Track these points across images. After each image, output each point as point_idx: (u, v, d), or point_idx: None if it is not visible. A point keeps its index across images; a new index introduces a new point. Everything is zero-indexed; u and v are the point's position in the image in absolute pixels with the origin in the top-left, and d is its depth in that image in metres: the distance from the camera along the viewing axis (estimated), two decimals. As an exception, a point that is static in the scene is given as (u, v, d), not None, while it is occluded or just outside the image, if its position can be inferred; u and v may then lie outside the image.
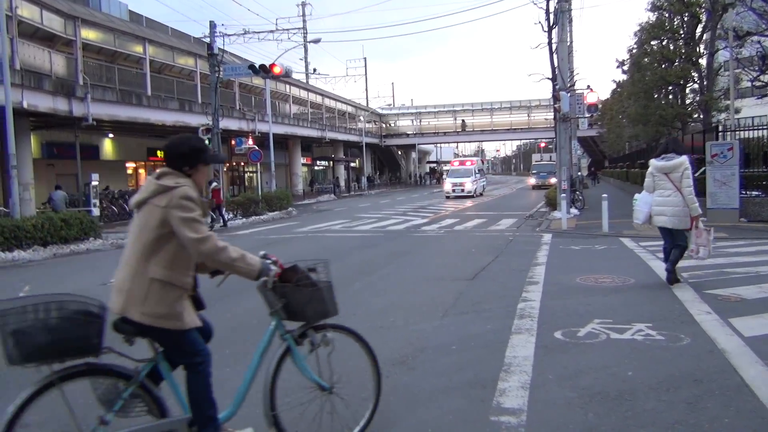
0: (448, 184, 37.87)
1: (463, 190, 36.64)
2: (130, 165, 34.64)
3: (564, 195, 18.05)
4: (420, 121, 67.84)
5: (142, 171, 35.62)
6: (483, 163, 46.41)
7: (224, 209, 22.02)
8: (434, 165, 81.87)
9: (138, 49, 28.43)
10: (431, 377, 4.83)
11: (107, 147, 31.99)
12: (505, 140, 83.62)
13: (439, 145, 76.11)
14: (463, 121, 65.21)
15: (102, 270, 11.77)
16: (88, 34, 25.29)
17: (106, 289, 9.19)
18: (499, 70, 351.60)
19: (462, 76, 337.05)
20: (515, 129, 64.34)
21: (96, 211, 22.40)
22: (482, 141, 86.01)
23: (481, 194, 39.22)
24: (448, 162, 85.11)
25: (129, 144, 33.10)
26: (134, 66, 28.90)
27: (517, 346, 5.55)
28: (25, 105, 19.32)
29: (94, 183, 23.31)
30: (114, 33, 27.01)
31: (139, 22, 32.31)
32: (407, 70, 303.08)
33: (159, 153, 35.70)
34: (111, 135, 31.08)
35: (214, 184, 23.04)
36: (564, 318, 6.51)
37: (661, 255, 8.30)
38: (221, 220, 21.47)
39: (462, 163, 42.93)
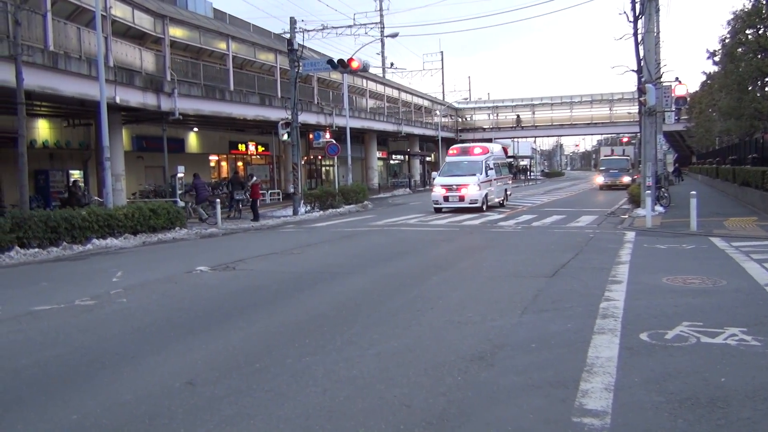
0: (437, 189, 23.18)
1: (462, 199, 22.33)
2: (213, 158, 35.87)
3: (649, 191, 17.37)
4: (497, 115, 66.88)
5: (224, 164, 36.83)
6: (506, 153, 29.28)
7: (258, 204, 22.39)
8: (510, 160, 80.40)
9: (222, 45, 29.34)
10: (510, 375, 4.75)
11: (192, 140, 33.24)
12: (585, 135, 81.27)
13: (516, 139, 74.75)
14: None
15: (187, 258, 12.24)
16: (176, 32, 26.30)
17: (191, 276, 9.60)
18: (580, 62, 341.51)
19: (541, 69, 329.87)
20: (596, 123, 62.37)
21: (181, 202, 23.30)
22: (561, 135, 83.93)
23: (501, 204, 25.37)
24: (525, 157, 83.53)
25: (212, 137, 34.28)
26: (218, 62, 29.85)
27: (599, 346, 5.37)
28: (117, 100, 20.30)
29: (180, 175, 24.24)
30: (199, 30, 27.97)
31: (222, 19, 33.31)
32: (484, 64, 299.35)
33: (240, 146, 36.85)
34: (195, 129, 32.25)
35: (255, 179, 23.55)
36: (650, 319, 6.25)
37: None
38: (254, 214, 21.79)
39: (466, 151, 25.53)
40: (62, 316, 7.14)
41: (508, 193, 27.35)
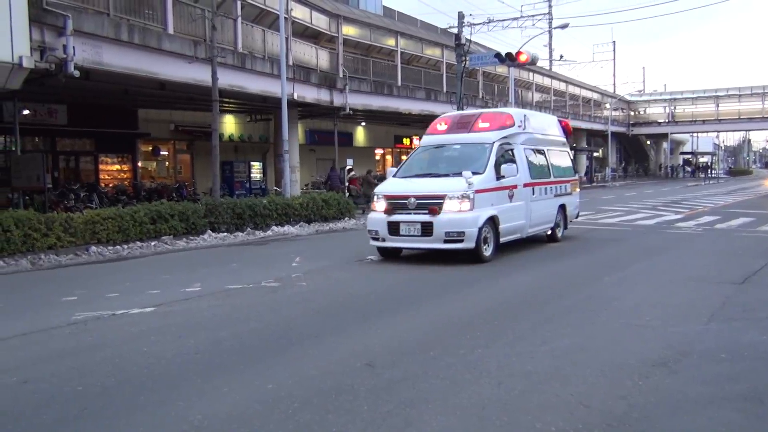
0: (379, 205, 10.45)
1: (426, 230, 9.86)
2: (378, 151, 37.12)
3: None
4: (674, 108, 62.21)
5: (389, 157, 37.96)
6: (569, 132, 14.26)
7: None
8: (689, 156, 74.45)
9: (390, 42, 30.21)
10: (696, 384, 4.48)
11: (359, 134, 34.65)
12: (779, 129, 72.71)
13: (695, 134, 68.96)
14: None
15: (356, 247, 12.73)
16: (348, 30, 27.52)
17: (362, 264, 10.06)
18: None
19: (726, 58, 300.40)
20: (795, 115, 55.80)
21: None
22: (750, 130, 76.13)
23: (550, 236, 12.88)
24: (706, 153, 76.62)
25: (378, 132, 35.48)
26: (386, 58, 30.77)
27: (802, 362, 4.89)
28: (295, 96, 21.69)
29: (349, 167, 25.39)
30: (370, 28, 29.03)
31: (391, 16, 34.26)
32: (661, 54, 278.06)
33: (405, 140, 37.74)
34: (363, 123, 33.56)
35: (353, 173, 23.72)
36: None
37: None
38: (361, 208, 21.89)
39: (463, 125, 11.43)
40: (252, 295, 7.84)
41: (571, 211, 13.76)
